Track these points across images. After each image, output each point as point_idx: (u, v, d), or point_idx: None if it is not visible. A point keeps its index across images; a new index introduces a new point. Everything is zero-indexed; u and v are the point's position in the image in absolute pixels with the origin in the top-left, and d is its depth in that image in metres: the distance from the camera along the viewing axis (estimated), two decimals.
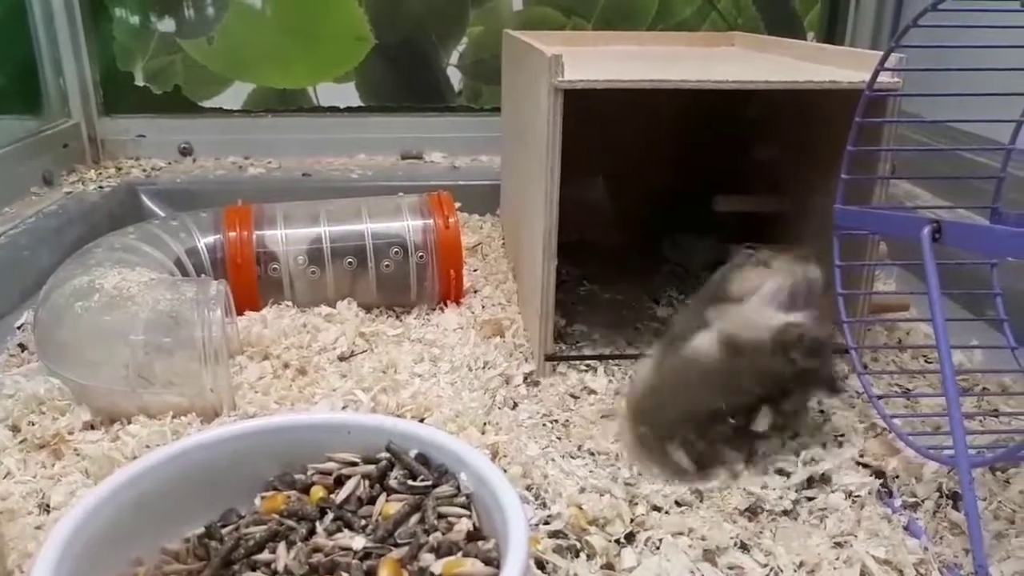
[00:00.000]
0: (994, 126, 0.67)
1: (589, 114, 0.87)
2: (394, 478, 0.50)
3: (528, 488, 0.58)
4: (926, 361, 0.79)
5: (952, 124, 0.96)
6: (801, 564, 0.52)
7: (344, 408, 0.68)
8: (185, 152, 1.25)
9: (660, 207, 1.04)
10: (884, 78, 0.66)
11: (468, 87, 1.28)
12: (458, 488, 0.48)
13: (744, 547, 0.53)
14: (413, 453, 0.51)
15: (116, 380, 0.64)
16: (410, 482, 0.49)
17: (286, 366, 0.74)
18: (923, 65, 0.68)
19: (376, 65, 1.25)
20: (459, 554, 0.44)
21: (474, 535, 0.46)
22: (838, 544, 0.54)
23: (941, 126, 1.00)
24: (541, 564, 0.51)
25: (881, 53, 0.66)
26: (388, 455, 0.51)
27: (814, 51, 0.85)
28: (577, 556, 0.52)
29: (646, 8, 1.25)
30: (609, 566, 0.51)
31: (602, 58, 0.91)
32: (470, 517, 0.47)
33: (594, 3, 1.24)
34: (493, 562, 0.43)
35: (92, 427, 0.65)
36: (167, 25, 1.21)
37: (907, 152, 1.01)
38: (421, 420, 0.66)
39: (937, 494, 0.59)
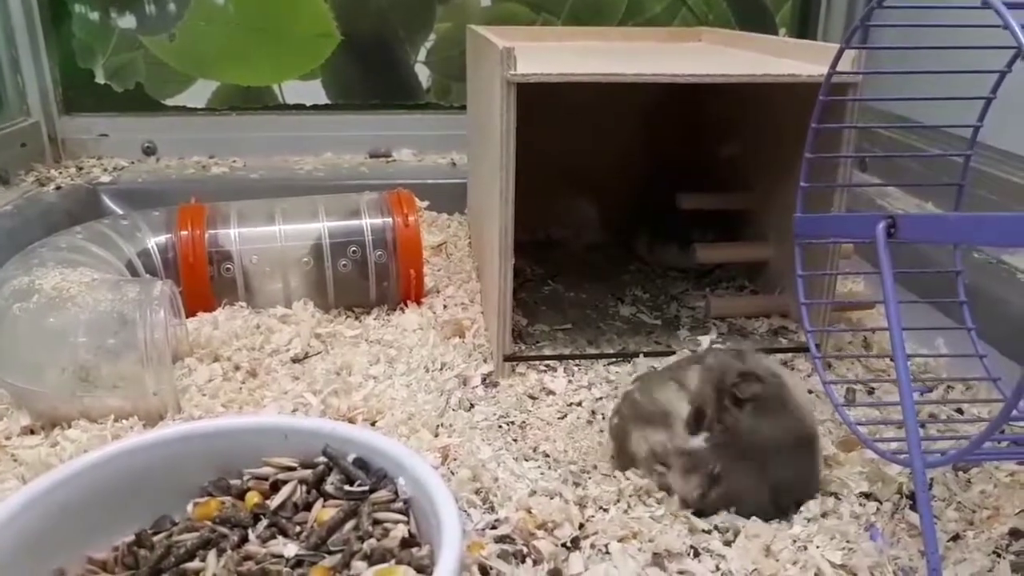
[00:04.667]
0: (963, 118, 0.66)
1: (557, 112, 0.87)
2: (331, 483, 0.48)
3: (477, 492, 0.56)
4: (892, 361, 0.78)
5: (919, 125, 0.95)
6: (755, 570, 0.50)
7: (294, 411, 0.66)
8: (148, 151, 1.23)
9: (629, 205, 1.03)
10: (843, 76, 0.65)
11: (437, 84, 1.26)
12: (396, 493, 0.47)
13: (695, 552, 0.52)
14: (351, 457, 0.49)
15: (56, 384, 0.62)
16: (347, 487, 0.48)
17: (236, 368, 0.72)
18: (890, 60, 0.67)
19: (343, 62, 1.23)
20: (392, 561, 0.43)
21: (409, 542, 0.44)
22: (803, 548, 0.52)
23: (911, 122, 0.99)
24: (485, 570, 0.49)
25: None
26: (326, 459, 0.49)
27: (779, 45, 0.84)
28: (523, 561, 0.50)
29: (616, 4, 1.24)
30: (556, 572, 0.50)
31: (565, 53, 0.89)
32: (407, 523, 0.45)
33: None
34: (426, 569, 0.42)
35: (31, 432, 0.63)
36: (128, 22, 1.18)
37: (873, 155, 1.01)
38: (373, 423, 0.65)
39: (898, 495, 0.58)
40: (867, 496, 0.58)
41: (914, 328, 0.71)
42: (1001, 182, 0.86)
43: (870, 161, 1.06)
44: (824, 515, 0.55)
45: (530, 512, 0.54)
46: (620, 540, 0.52)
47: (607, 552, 0.51)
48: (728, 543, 0.52)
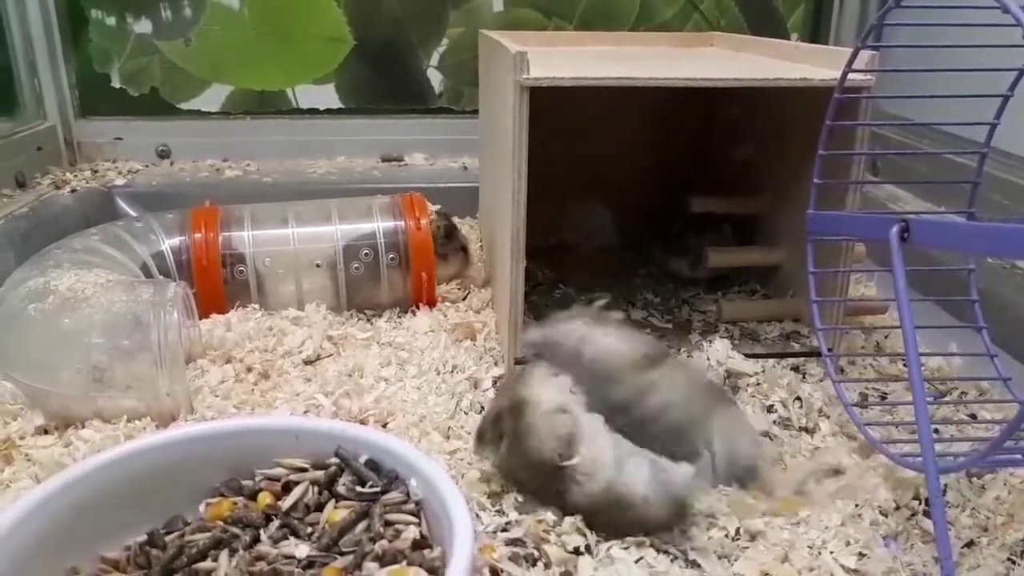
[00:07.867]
0: (978, 120, 0.65)
1: (569, 116, 0.87)
2: (343, 484, 0.49)
3: (488, 494, 0.56)
4: (904, 365, 0.77)
5: (934, 124, 0.95)
6: (764, 574, 0.50)
7: (305, 412, 0.66)
8: (163, 155, 1.24)
9: (641, 209, 1.02)
10: (857, 76, 0.65)
11: (449, 88, 1.27)
12: (408, 494, 0.47)
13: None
14: (363, 459, 0.49)
15: (70, 384, 0.63)
16: (359, 488, 0.48)
17: (249, 370, 0.72)
18: (904, 62, 0.66)
19: (356, 67, 1.24)
20: (404, 563, 0.43)
21: (420, 543, 0.44)
22: (817, 553, 0.52)
23: (925, 125, 0.98)
24: (496, 573, 0.49)
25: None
26: (338, 460, 0.49)
27: (791, 50, 0.84)
28: (534, 565, 0.50)
29: (628, 9, 1.24)
30: (567, 575, 0.50)
31: (577, 58, 0.89)
32: (418, 524, 0.46)
33: (575, 4, 1.23)
34: (437, 571, 0.42)
35: (45, 432, 0.64)
36: (143, 27, 1.19)
37: (886, 152, 1.01)
38: (384, 425, 0.65)
39: (916, 501, 0.57)
40: (883, 502, 0.57)
41: (926, 327, 0.71)
42: (1013, 186, 0.85)
43: (883, 167, 1.06)
44: (842, 521, 0.55)
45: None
46: (634, 546, 0.52)
47: (618, 556, 0.51)
48: (743, 548, 0.52)
